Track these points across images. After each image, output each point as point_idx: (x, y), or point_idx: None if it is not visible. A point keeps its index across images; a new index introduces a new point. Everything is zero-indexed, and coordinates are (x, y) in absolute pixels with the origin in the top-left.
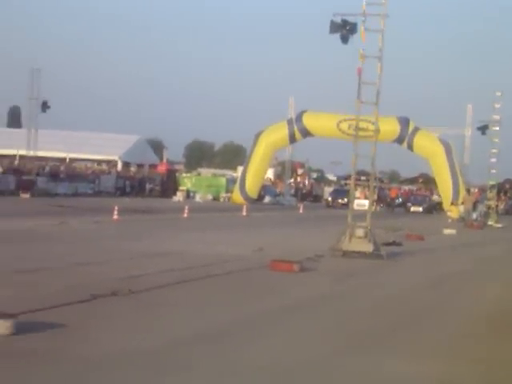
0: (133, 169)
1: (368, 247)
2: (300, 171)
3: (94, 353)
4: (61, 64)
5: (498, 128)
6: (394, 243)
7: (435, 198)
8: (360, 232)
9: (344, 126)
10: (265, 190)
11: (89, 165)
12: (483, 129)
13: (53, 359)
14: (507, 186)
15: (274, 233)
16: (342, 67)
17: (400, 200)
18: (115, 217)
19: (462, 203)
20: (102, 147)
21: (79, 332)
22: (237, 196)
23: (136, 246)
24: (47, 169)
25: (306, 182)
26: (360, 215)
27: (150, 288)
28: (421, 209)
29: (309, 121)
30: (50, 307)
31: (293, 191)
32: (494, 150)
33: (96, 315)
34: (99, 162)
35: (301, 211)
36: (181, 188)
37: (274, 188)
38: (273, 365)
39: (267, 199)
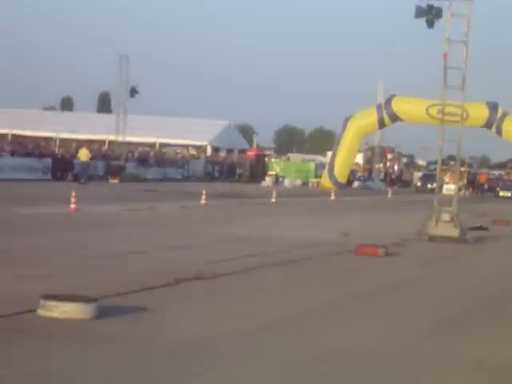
0: (222, 154)
1: (454, 232)
2: (389, 156)
3: (176, 337)
4: (150, 50)
5: None
6: (480, 228)
7: None
8: (446, 216)
9: (433, 110)
10: (353, 174)
11: (178, 150)
12: None
13: (134, 343)
14: None
15: (361, 217)
16: (430, 51)
17: (488, 185)
18: (203, 201)
19: None
20: (192, 132)
21: (162, 316)
22: (325, 181)
23: (223, 231)
24: (136, 154)
25: (396, 167)
26: (449, 200)
27: (235, 272)
28: (510, 194)
29: (398, 106)
30: (134, 291)
31: (382, 176)
32: None
33: (180, 299)
34: (188, 147)
35: (389, 196)
36: (269, 173)
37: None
38: (357, 348)
39: (356, 184)
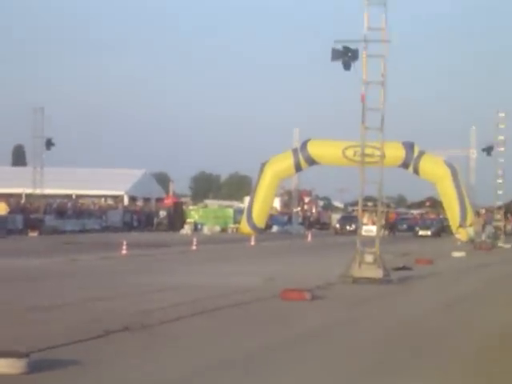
0: (139, 203)
1: (378, 273)
2: (307, 199)
3: None
4: (63, 102)
5: (503, 149)
6: (403, 268)
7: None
8: (369, 258)
9: (349, 152)
10: (272, 219)
11: (95, 201)
12: (488, 150)
13: None
14: None
15: (283, 262)
16: (346, 93)
17: (405, 225)
18: (124, 252)
19: (471, 225)
20: (108, 183)
21: (93, 369)
22: (244, 226)
23: (146, 280)
24: (54, 206)
25: (314, 210)
26: (368, 241)
27: (163, 322)
28: (429, 232)
29: (314, 149)
30: (64, 344)
31: (300, 219)
32: (500, 171)
33: (110, 351)
34: (106, 197)
35: (309, 239)
36: (188, 220)
37: (281, 217)
38: None
39: (275, 228)
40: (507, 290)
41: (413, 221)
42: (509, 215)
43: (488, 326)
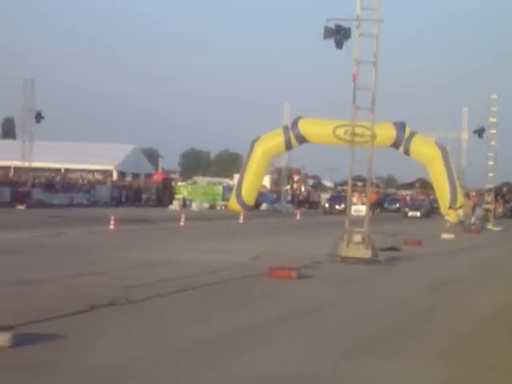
0: (128, 178)
1: (366, 253)
2: (296, 178)
3: (92, 364)
4: (55, 74)
5: (494, 131)
6: (392, 248)
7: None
8: (357, 238)
9: (340, 131)
10: (261, 197)
11: (84, 175)
12: (480, 132)
13: (52, 371)
14: (505, 189)
15: (271, 240)
16: (338, 72)
17: (394, 205)
18: (112, 227)
19: (460, 207)
20: (97, 157)
21: (78, 343)
22: (233, 204)
23: (133, 256)
24: (42, 180)
25: (303, 189)
26: (357, 221)
27: (149, 297)
28: (418, 213)
29: (304, 127)
30: (49, 318)
31: (289, 198)
32: (491, 153)
33: (94, 326)
34: (94, 172)
35: (298, 218)
36: (177, 197)
37: (270, 195)
38: (276, 373)
39: (264, 206)
40: (494, 274)
41: (402, 201)
42: (499, 198)
43: (472, 311)
